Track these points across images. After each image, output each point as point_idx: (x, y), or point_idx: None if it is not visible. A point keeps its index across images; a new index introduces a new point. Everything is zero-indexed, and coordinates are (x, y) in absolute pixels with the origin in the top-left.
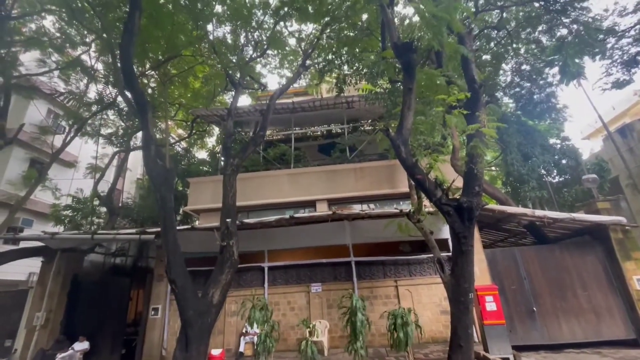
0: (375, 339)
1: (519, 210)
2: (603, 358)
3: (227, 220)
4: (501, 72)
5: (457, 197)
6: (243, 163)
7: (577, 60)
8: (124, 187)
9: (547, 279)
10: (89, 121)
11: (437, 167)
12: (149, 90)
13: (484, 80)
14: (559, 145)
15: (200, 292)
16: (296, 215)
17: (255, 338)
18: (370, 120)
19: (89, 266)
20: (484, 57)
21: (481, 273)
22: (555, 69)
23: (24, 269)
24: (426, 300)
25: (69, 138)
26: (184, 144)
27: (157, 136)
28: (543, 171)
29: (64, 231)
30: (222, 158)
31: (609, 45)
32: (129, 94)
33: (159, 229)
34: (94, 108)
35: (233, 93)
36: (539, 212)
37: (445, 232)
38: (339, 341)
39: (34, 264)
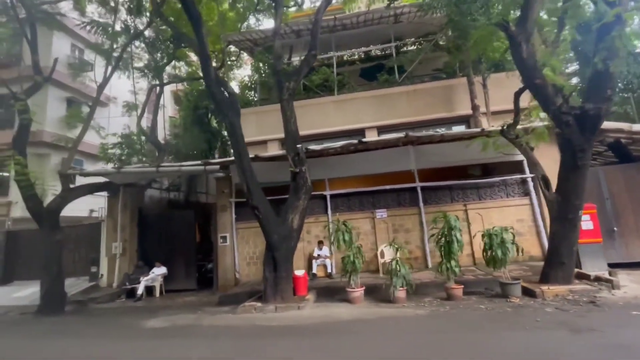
0: None
1: (614, 125)
2: None
3: (298, 146)
4: None
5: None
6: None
7: None
8: (160, 124)
9: (632, 198)
10: (118, 54)
11: (554, 71)
12: (172, 19)
13: None
14: None
15: (280, 219)
16: (364, 140)
17: (327, 261)
18: (418, 37)
19: (148, 201)
20: None
21: None
22: None
23: (84, 206)
24: (497, 223)
25: (108, 72)
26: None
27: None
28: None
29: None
30: (253, 90)
31: None
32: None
33: (222, 160)
34: (121, 40)
35: (260, 17)
36: (636, 127)
37: (519, 154)
38: (406, 262)
39: (91, 201)
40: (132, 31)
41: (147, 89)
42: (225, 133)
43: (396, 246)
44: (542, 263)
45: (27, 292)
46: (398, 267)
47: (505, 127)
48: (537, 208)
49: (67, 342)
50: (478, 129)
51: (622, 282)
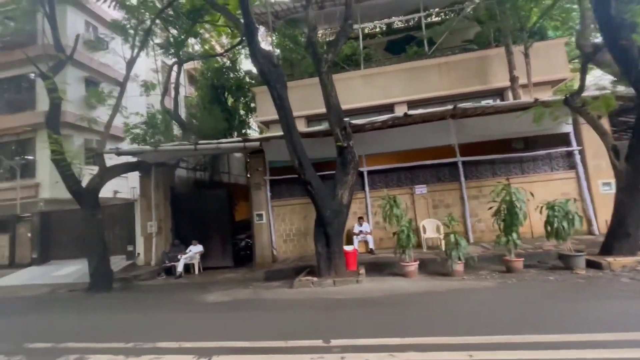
0: (484, 235)
1: None
2: None
3: (346, 119)
4: None
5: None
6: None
7: None
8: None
9: None
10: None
11: None
12: None
13: None
14: None
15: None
16: (409, 112)
17: (369, 237)
18: (444, 7)
19: (177, 181)
20: None
21: None
22: None
23: (109, 187)
24: (541, 198)
25: (136, 50)
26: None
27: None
28: None
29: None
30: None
31: None
32: None
33: (261, 137)
34: (141, 15)
35: None
36: None
37: (566, 126)
38: None
39: (115, 183)
40: (152, 4)
41: (162, 67)
42: (243, 112)
43: (454, 221)
44: (588, 237)
45: (67, 271)
46: (457, 241)
47: (569, 96)
48: (584, 182)
49: (137, 315)
50: (531, 100)
51: None
